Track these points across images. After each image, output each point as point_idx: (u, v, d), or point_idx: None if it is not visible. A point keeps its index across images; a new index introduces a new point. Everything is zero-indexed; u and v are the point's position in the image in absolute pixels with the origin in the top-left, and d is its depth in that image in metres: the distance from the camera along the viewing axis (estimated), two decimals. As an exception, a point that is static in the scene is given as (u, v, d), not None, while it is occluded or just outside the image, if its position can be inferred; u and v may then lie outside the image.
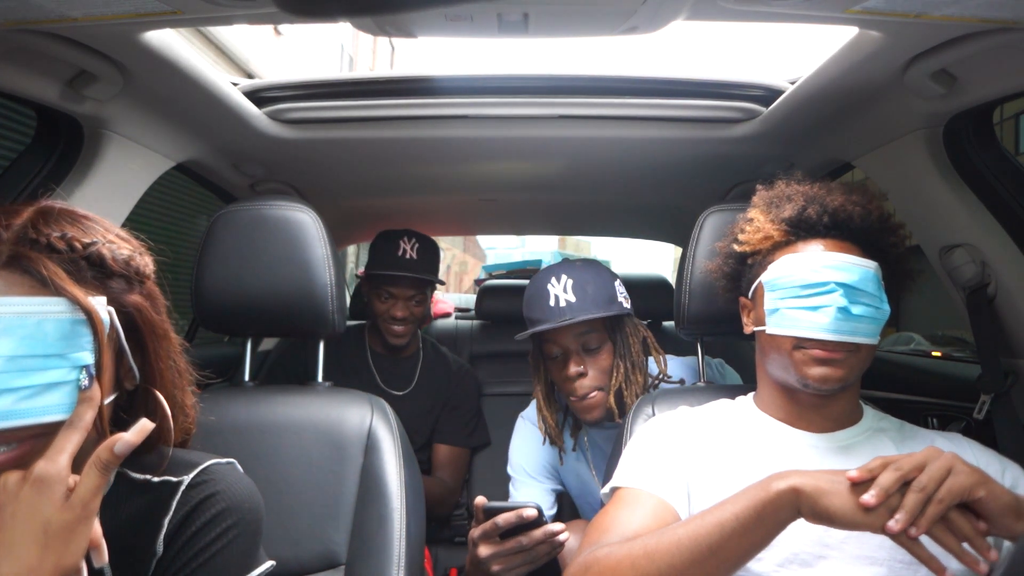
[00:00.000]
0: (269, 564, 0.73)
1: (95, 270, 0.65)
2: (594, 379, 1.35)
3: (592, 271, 1.39)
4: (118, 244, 0.68)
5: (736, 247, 1.02)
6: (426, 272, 1.82)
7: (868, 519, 0.67)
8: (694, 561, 0.71)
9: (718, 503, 0.74)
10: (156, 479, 0.71)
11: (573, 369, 1.34)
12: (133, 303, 0.68)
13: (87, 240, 0.65)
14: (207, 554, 0.67)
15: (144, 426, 0.60)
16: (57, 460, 0.56)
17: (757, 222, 0.99)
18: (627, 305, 1.40)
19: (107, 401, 0.65)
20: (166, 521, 0.68)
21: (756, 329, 0.98)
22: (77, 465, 0.57)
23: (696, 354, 1.35)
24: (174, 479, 0.70)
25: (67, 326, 0.60)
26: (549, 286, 1.36)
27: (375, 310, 1.85)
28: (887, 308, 0.90)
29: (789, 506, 0.70)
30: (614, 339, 1.38)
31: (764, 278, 0.95)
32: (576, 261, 1.44)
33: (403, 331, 1.83)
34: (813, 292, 0.88)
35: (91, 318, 0.61)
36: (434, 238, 1.95)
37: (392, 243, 1.82)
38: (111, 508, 0.69)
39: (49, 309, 0.59)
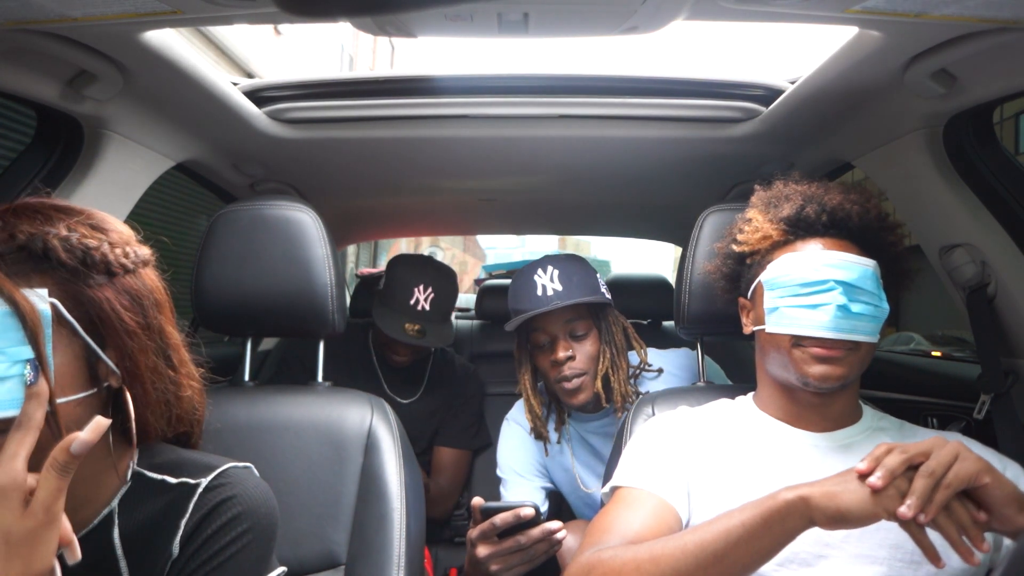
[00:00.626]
0: (281, 570, 0.73)
1: (37, 261, 0.62)
2: (581, 363, 1.38)
3: (576, 263, 1.44)
4: (81, 234, 0.64)
5: (735, 247, 1.02)
6: (436, 329, 1.72)
7: (881, 508, 0.67)
8: (699, 567, 0.71)
9: (726, 512, 0.74)
10: (173, 480, 0.70)
11: (562, 353, 1.37)
12: (91, 297, 0.64)
13: (32, 231, 0.62)
14: (222, 557, 0.67)
15: (99, 423, 0.56)
16: (11, 466, 0.53)
17: (756, 222, 0.99)
18: (608, 296, 1.45)
19: (70, 399, 0.62)
20: (183, 523, 0.67)
21: (756, 328, 0.98)
22: (36, 467, 0.55)
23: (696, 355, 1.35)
24: (192, 481, 0.70)
25: None
26: (536, 277, 1.40)
27: (379, 336, 1.82)
28: (886, 306, 0.90)
29: (798, 515, 0.70)
30: (599, 326, 1.42)
31: (763, 277, 0.95)
32: (560, 255, 1.48)
33: (404, 362, 1.83)
34: (812, 290, 0.88)
35: (17, 308, 0.58)
36: (434, 238, 1.94)
37: (407, 290, 1.71)
38: (128, 508, 0.69)
39: None
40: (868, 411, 0.98)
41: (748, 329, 1.02)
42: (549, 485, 1.54)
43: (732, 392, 1.10)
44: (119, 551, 0.67)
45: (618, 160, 1.60)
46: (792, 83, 1.19)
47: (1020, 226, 1.10)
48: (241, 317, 1.16)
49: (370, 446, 1.08)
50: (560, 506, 1.68)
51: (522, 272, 1.44)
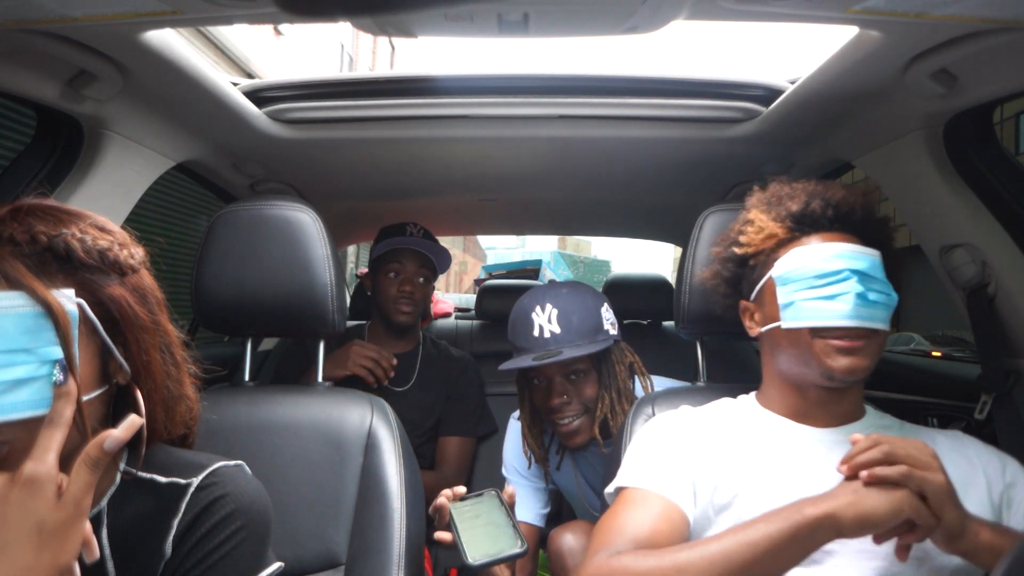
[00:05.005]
0: (278, 565, 0.73)
1: (62, 262, 0.64)
2: (578, 408, 1.35)
3: (578, 299, 1.37)
4: (94, 236, 0.67)
5: (736, 250, 1.01)
6: (430, 250, 1.89)
7: (904, 505, 0.71)
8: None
9: (748, 521, 0.75)
10: (163, 480, 0.70)
11: (556, 400, 1.34)
12: (110, 295, 0.66)
13: (53, 232, 0.63)
14: (216, 556, 0.67)
15: (133, 422, 0.59)
16: (45, 459, 0.55)
17: (759, 222, 0.98)
18: (614, 332, 1.39)
19: (89, 397, 0.64)
20: (175, 523, 0.67)
21: (767, 328, 0.97)
22: (61, 465, 0.57)
23: (695, 355, 1.35)
24: (183, 481, 0.70)
25: (29, 320, 0.58)
26: (534, 315, 1.35)
27: (384, 294, 1.86)
28: (895, 295, 0.90)
29: (827, 529, 0.72)
30: (599, 369, 1.37)
31: (774, 273, 0.94)
32: (563, 286, 1.42)
33: (410, 309, 1.86)
34: (828, 281, 0.88)
35: (51, 310, 0.59)
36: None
37: (398, 228, 1.89)
38: (115, 507, 0.69)
39: (7, 303, 0.58)
40: (870, 410, 0.98)
41: (755, 331, 1.01)
42: (552, 486, 1.54)
43: (733, 391, 1.10)
44: (107, 551, 0.67)
45: (618, 160, 1.60)
46: (792, 83, 1.19)
47: (1020, 226, 1.09)
48: (241, 317, 1.16)
49: (370, 446, 1.08)
50: (561, 506, 1.68)
51: (522, 303, 1.40)
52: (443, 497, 1.04)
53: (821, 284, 0.88)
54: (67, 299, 0.61)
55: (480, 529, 0.99)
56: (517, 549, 0.95)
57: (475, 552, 0.94)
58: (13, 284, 0.59)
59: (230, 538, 0.68)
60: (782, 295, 0.92)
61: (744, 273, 1.02)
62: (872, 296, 0.87)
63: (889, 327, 0.90)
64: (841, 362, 0.87)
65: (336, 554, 1.02)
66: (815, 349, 0.89)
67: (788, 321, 0.91)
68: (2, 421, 0.57)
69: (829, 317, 0.87)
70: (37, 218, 0.64)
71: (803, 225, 0.95)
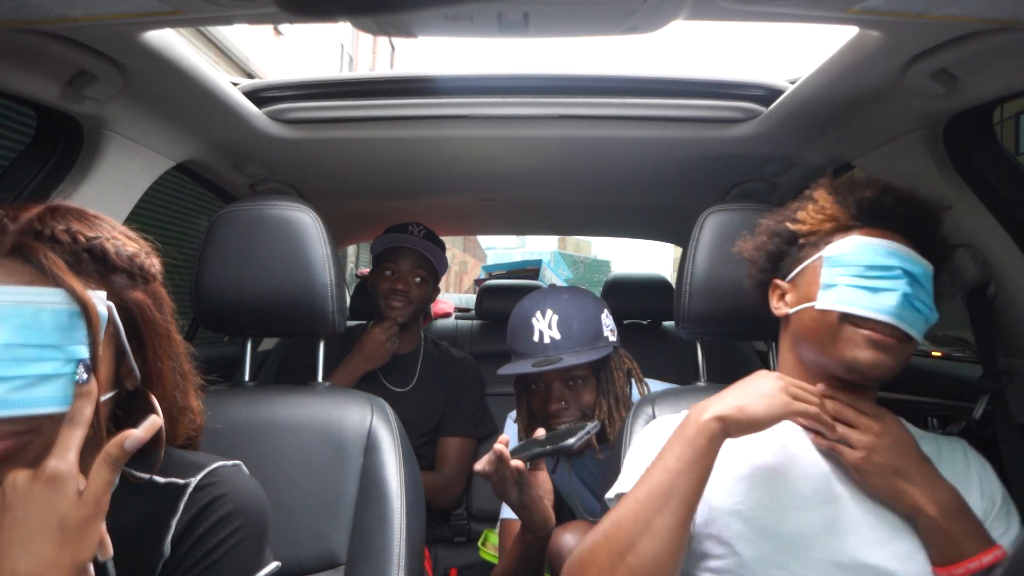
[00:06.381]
0: (275, 565, 0.73)
1: (97, 264, 0.65)
2: (576, 414, 1.35)
3: (578, 305, 1.37)
4: (123, 241, 0.69)
5: (790, 225, 0.97)
6: (426, 249, 1.89)
7: (787, 411, 0.80)
8: (654, 509, 0.77)
9: (656, 457, 0.82)
10: (162, 480, 0.71)
11: (554, 406, 1.34)
12: (135, 300, 0.68)
13: (91, 234, 0.65)
14: (214, 556, 0.67)
15: (154, 422, 0.60)
16: (66, 457, 0.57)
17: (822, 202, 0.95)
18: (613, 339, 1.38)
19: (104, 398, 0.65)
20: (174, 523, 0.68)
21: (797, 308, 0.94)
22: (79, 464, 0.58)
23: (695, 355, 1.35)
24: (181, 481, 0.70)
25: (64, 318, 0.60)
26: (534, 320, 1.34)
27: (379, 290, 1.86)
28: (936, 314, 0.87)
29: (719, 432, 0.79)
30: (598, 376, 1.37)
31: (827, 252, 0.91)
32: (563, 291, 1.42)
33: (401, 305, 1.84)
34: (879, 275, 0.86)
35: (87, 310, 0.61)
36: None
37: (400, 227, 1.91)
38: (114, 507, 0.69)
39: (46, 299, 0.59)
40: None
41: (782, 312, 0.98)
42: None
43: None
44: None
45: (618, 160, 1.60)
46: (792, 83, 1.19)
47: (1020, 226, 1.09)
48: (241, 317, 1.16)
49: (370, 446, 1.08)
50: (561, 505, 1.68)
51: (523, 307, 1.39)
52: (499, 446, 1.08)
53: (871, 275, 0.86)
54: (99, 300, 0.63)
55: (548, 439, 1.08)
56: (591, 423, 1.07)
57: (567, 440, 1.03)
58: (54, 281, 0.60)
59: (228, 537, 0.68)
60: (827, 276, 0.89)
61: (789, 251, 0.99)
62: (917, 303, 0.85)
63: (920, 341, 0.87)
64: (867, 354, 0.84)
65: (336, 554, 1.02)
66: (842, 335, 0.86)
67: (824, 302, 0.88)
68: (25, 415, 0.58)
69: (869, 308, 0.84)
70: (73, 219, 0.66)
71: (867, 215, 0.91)
